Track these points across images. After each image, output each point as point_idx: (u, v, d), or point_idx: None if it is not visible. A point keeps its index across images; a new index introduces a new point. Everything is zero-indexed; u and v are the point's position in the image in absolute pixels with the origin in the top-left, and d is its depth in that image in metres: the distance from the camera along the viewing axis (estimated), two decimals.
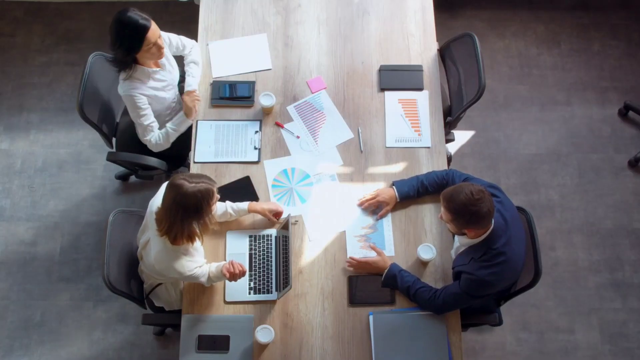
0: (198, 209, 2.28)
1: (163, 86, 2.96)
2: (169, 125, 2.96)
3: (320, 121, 3.04)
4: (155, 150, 2.99)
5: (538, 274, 2.59)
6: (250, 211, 2.73)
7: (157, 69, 2.92)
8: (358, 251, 2.75)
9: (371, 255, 2.73)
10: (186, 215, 2.28)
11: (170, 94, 3.02)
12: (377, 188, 2.88)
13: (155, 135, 2.95)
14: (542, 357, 3.39)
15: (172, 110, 3.07)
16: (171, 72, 3.01)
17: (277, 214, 2.76)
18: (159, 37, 2.76)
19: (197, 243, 2.49)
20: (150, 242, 2.47)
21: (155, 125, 2.95)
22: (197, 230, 2.35)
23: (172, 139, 2.98)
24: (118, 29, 2.69)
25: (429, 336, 2.59)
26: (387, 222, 2.82)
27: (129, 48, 2.72)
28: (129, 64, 2.79)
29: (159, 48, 2.78)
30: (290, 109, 3.06)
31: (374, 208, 2.84)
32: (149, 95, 2.88)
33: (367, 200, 2.83)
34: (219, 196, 2.44)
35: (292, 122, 3.04)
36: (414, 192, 2.80)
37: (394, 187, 2.82)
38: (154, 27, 2.73)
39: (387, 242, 2.78)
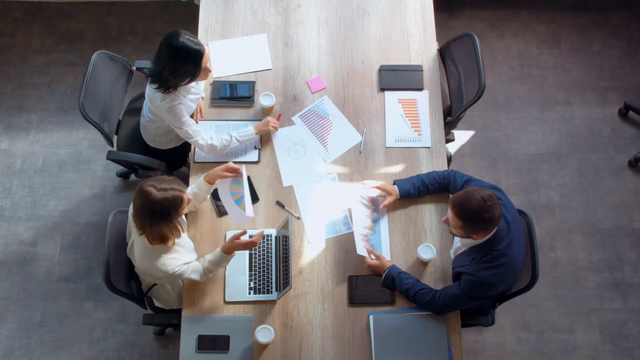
0: (165, 216, 2.29)
1: (196, 98, 2.95)
2: (234, 134, 2.88)
3: (327, 128, 3.04)
4: (207, 152, 2.89)
5: (535, 277, 2.59)
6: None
7: (194, 83, 2.88)
8: (362, 249, 2.74)
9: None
10: (154, 221, 2.29)
11: (197, 103, 2.99)
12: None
13: (212, 139, 2.86)
14: (542, 357, 3.39)
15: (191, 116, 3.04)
16: (200, 83, 2.98)
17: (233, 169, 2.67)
18: (208, 59, 2.70)
19: (183, 239, 2.50)
20: (134, 243, 2.48)
21: (199, 128, 2.87)
22: (170, 234, 2.37)
23: (225, 149, 2.89)
24: (172, 56, 2.60)
25: (429, 336, 2.59)
26: (384, 226, 2.82)
27: (184, 75, 2.66)
28: (177, 86, 2.73)
29: (208, 71, 2.74)
30: (296, 119, 3.06)
31: (376, 197, 2.84)
32: (185, 105, 2.84)
33: (372, 185, 2.83)
34: (191, 198, 2.42)
35: (294, 126, 3.04)
36: (414, 190, 2.80)
37: (395, 185, 2.83)
38: (206, 51, 2.66)
39: (384, 246, 2.78)
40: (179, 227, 2.38)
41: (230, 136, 2.88)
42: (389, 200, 2.81)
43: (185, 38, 2.60)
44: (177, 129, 2.84)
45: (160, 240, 2.37)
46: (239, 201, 2.63)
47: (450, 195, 2.82)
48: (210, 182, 2.67)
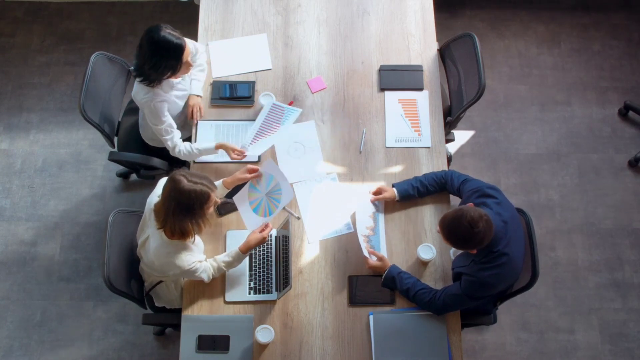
0: (190, 208, 2.30)
1: (183, 95, 2.95)
2: (195, 146, 2.86)
3: (271, 130, 2.94)
4: (171, 153, 2.91)
5: (535, 276, 2.58)
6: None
7: (180, 79, 2.89)
8: (366, 251, 2.73)
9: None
10: (178, 211, 2.30)
11: (185, 101, 2.99)
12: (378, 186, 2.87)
13: (180, 144, 2.86)
14: (542, 357, 3.39)
15: (181, 114, 3.03)
16: (186, 79, 2.98)
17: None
18: (189, 54, 2.70)
19: (197, 239, 2.50)
20: (150, 238, 2.49)
21: (177, 131, 2.87)
22: (191, 229, 2.37)
23: (195, 158, 2.90)
24: (153, 50, 2.59)
25: (429, 336, 2.59)
26: (384, 227, 2.81)
27: (165, 69, 2.65)
28: (161, 80, 2.73)
29: (189, 65, 2.73)
30: (262, 97, 3.01)
31: (376, 198, 2.83)
32: (169, 102, 2.84)
33: (372, 192, 2.83)
34: (218, 201, 2.43)
35: (295, 124, 3.03)
36: (413, 190, 2.79)
37: (394, 188, 2.83)
38: (187, 46, 2.66)
39: (384, 246, 2.77)
40: (201, 224, 2.38)
41: (192, 147, 2.84)
42: (383, 195, 2.79)
43: (166, 32, 2.59)
44: (153, 126, 2.83)
45: (181, 234, 2.38)
46: (257, 209, 2.67)
47: (449, 194, 2.84)
48: (228, 187, 2.69)
